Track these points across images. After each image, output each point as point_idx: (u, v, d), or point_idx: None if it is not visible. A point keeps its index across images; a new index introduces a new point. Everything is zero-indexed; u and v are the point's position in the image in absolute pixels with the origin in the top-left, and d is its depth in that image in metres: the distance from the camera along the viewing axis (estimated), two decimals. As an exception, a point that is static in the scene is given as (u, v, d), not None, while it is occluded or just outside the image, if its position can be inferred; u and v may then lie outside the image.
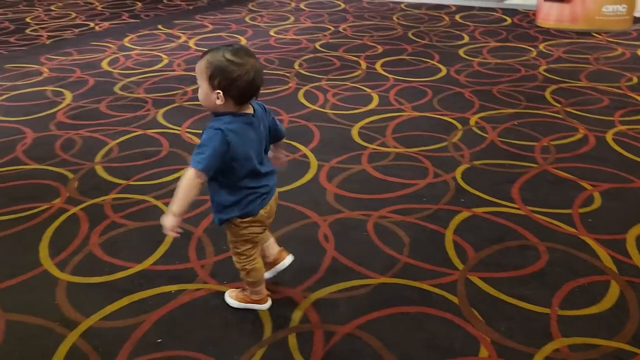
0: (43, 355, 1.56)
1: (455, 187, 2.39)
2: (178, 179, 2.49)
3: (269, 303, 1.72)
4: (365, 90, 3.57)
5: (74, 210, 2.27)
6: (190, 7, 6.29)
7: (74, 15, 5.92)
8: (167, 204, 2.29)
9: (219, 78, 1.38)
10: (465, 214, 2.19)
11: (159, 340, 1.61)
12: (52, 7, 6.33)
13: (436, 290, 1.78)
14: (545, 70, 3.81)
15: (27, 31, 5.25)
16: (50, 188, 2.44)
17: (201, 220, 2.18)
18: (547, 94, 3.40)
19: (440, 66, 3.99)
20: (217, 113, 1.46)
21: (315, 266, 1.92)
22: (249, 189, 1.50)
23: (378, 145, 2.80)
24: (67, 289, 1.83)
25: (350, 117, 3.15)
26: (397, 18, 5.50)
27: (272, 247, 1.78)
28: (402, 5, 6.06)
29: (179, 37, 4.93)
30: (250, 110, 1.48)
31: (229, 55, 1.38)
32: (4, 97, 3.54)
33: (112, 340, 1.61)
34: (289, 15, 5.76)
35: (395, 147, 2.78)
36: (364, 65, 4.07)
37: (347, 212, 2.24)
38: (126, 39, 4.87)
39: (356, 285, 1.82)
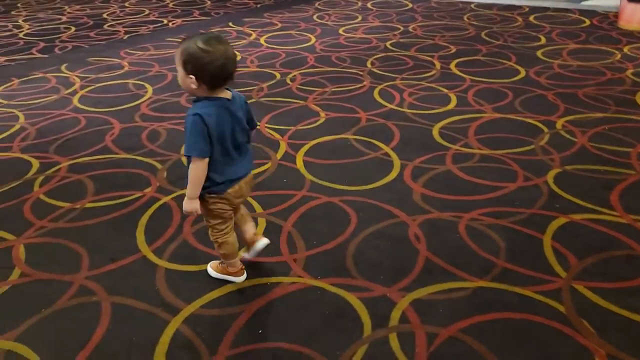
0: (150, 338, 1.59)
1: (548, 192, 2.30)
2: (262, 172, 2.54)
3: (243, 277, 1.83)
4: (441, 90, 3.50)
5: (165, 199, 2.32)
6: (258, 6, 6.37)
7: (147, 11, 6.10)
8: (252, 197, 2.32)
9: (191, 64, 1.48)
10: (562, 220, 2.10)
11: (260, 332, 1.62)
12: (126, 4, 6.56)
13: (539, 297, 1.72)
14: (633, 74, 3.63)
15: (105, 26, 5.45)
16: (141, 177, 2.51)
17: (289, 214, 2.19)
18: (638, 99, 3.24)
19: (519, 67, 3.87)
20: (195, 98, 1.56)
21: (409, 266, 1.88)
22: (220, 173, 1.60)
23: (461, 146, 2.74)
24: (165, 275, 1.87)
25: (429, 117, 3.10)
26: (468, 18, 5.38)
27: (249, 230, 1.86)
28: (472, 6, 5.94)
29: (249, 35, 4.99)
30: (226, 95, 1.57)
31: (200, 44, 1.48)
32: (90, 88, 3.68)
33: (214, 328, 1.63)
34: (357, 14, 5.74)
35: (480, 149, 2.71)
36: (438, 65, 4.00)
37: (436, 212, 2.19)
38: (199, 36, 4.96)
39: (454, 288, 1.77)
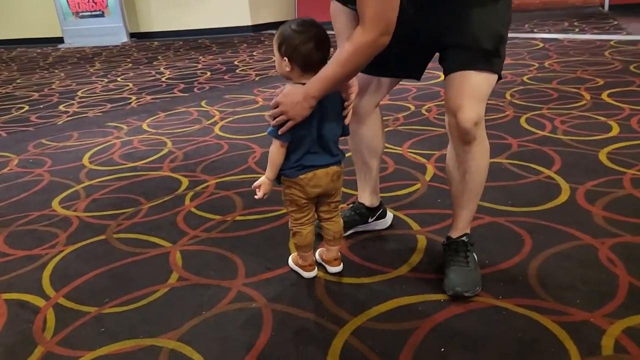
0: (319, 348, 1.44)
1: None
2: (412, 193, 2.38)
3: (311, 274, 1.78)
4: (598, 119, 3.18)
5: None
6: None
7: (274, 59, 6.38)
8: (407, 215, 2.16)
9: (285, 45, 1.49)
10: None
11: (442, 350, 1.40)
12: (254, 53, 6.93)
13: None
14: None
15: (237, 71, 5.75)
16: (287, 194, 2.45)
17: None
18: None
19: (687, 96, 3.44)
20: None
21: (611, 291, 1.58)
22: (296, 158, 1.58)
23: (639, 171, 2.40)
24: (325, 286, 1.73)
25: (591, 143, 2.79)
26: (610, 54, 5.00)
27: (330, 249, 1.79)
28: (611, 43, 5.53)
29: (376, 74, 4.99)
30: None
31: (294, 26, 1.50)
32: (229, 119, 3.80)
33: (388, 343, 1.44)
34: (484, 54, 5.56)
35: (664, 174, 2.35)
36: (587, 96, 3.68)
37: (628, 236, 1.87)
38: (326, 76, 5.05)
39: (677, 318, 1.45)
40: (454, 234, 1.73)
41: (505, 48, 1.56)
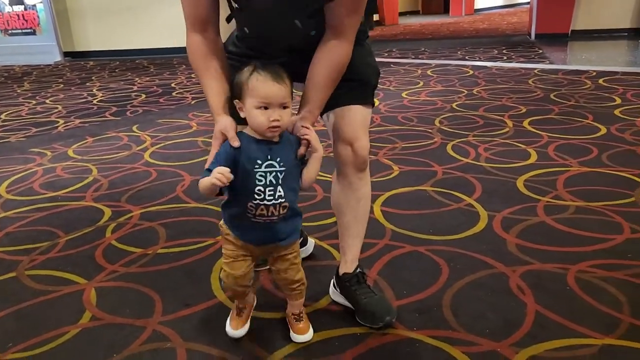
0: (232, 389, 1.41)
1: (665, 244, 2.04)
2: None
3: None
4: (519, 146, 3.34)
5: (239, 246, 2.20)
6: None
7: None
8: (331, 245, 2.18)
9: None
10: (690, 273, 1.83)
11: (355, 386, 1.41)
12: (192, 75, 6.86)
13: (686, 358, 1.44)
14: None
15: (174, 94, 5.66)
16: (213, 225, 2.42)
17: (373, 262, 2.02)
18: None
19: (598, 125, 3.68)
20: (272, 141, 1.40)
21: (518, 319, 1.65)
22: None
23: (552, 198, 2.53)
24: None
25: (510, 170, 2.92)
26: (533, 82, 5.29)
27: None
28: (535, 71, 5.86)
29: (312, 99, 5.05)
30: None
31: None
32: (160, 145, 3.73)
33: (302, 381, 1.43)
34: (418, 80, 5.76)
35: (573, 201, 2.49)
36: (510, 123, 3.86)
37: (537, 263, 1.96)
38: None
39: (577, 345, 1.52)
40: (350, 268, 1.74)
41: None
